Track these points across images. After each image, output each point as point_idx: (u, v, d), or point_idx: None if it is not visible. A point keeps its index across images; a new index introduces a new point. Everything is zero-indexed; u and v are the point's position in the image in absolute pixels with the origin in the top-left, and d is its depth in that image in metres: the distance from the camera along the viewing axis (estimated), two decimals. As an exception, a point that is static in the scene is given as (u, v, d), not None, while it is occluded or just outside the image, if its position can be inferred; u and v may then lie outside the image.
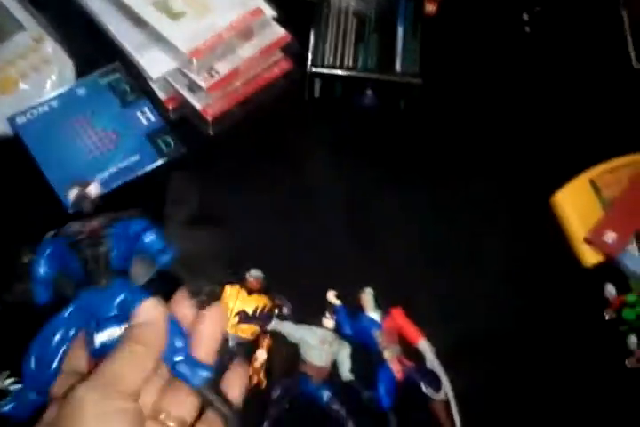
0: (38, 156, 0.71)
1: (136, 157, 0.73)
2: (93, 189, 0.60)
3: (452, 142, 0.86)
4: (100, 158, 0.73)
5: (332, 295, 0.71)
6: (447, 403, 0.67)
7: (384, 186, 0.82)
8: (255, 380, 0.67)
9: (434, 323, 0.72)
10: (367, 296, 0.71)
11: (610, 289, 0.76)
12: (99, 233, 0.46)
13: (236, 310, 0.68)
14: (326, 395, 0.67)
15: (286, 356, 0.69)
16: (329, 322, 0.69)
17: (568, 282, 0.78)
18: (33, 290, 0.46)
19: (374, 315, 0.70)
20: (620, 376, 0.73)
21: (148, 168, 0.73)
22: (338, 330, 0.70)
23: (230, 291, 0.70)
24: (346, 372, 0.69)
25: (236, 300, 0.69)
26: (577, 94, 0.89)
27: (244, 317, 0.67)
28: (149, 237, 0.48)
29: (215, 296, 0.48)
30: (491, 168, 0.84)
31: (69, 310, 0.44)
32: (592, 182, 0.81)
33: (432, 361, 0.69)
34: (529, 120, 0.87)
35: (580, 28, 0.92)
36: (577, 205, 0.80)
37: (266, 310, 0.68)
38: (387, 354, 0.68)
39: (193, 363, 0.45)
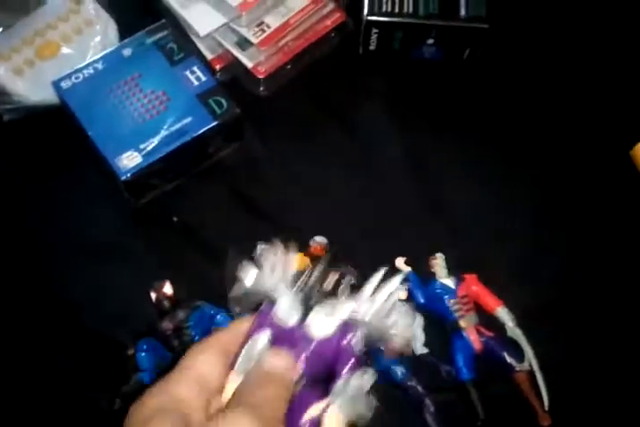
0: (86, 122, 0.67)
1: (188, 119, 0.69)
2: (168, 289, 0.65)
3: (520, 95, 0.79)
4: (151, 122, 0.68)
5: (401, 262, 0.67)
6: (531, 373, 0.62)
7: (447, 144, 0.77)
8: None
9: (510, 288, 0.67)
10: (439, 262, 0.67)
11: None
12: (182, 325, 0.62)
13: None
14: (400, 371, 0.63)
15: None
16: (401, 293, 0.64)
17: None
18: (142, 377, 0.60)
19: (447, 282, 0.66)
20: None
21: (202, 130, 0.69)
22: (410, 299, 0.65)
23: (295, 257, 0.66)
24: (419, 345, 0.64)
25: (299, 266, 0.65)
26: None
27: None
28: (220, 318, 0.63)
29: None
30: (564, 121, 0.78)
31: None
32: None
33: (513, 329, 0.64)
34: (602, 69, 0.80)
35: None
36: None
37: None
38: (463, 323, 0.64)
39: None
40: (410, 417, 0.63)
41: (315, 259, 0.66)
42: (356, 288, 0.64)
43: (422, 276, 0.67)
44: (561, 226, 0.72)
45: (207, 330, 0.62)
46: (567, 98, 0.79)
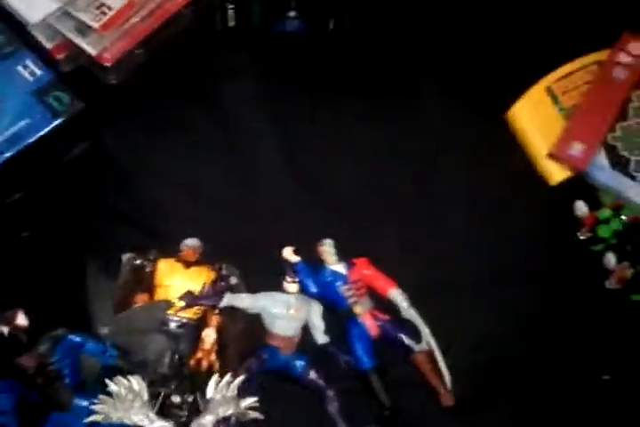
0: None
1: (25, 121, 0.61)
2: (21, 320, 0.57)
3: (392, 62, 0.76)
4: None
5: (289, 252, 0.63)
6: (430, 353, 0.60)
7: (319, 121, 0.73)
8: (205, 364, 0.58)
9: (401, 269, 0.65)
10: (326, 248, 0.63)
11: (580, 207, 0.70)
12: (45, 361, 0.55)
13: (174, 287, 0.59)
14: (300, 365, 0.59)
15: (242, 331, 0.60)
16: (292, 286, 0.61)
17: (535, 203, 0.71)
18: (3, 423, 0.52)
19: (338, 268, 0.62)
20: (602, 299, 0.67)
21: (42, 132, 0.61)
22: (302, 290, 0.62)
23: (164, 265, 0.61)
24: (320, 335, 0.61)
25: (173, 276, 0.60)
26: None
27: (190, 299, 0.57)
28: (89, 346, 0.57)
29: None
30: (438, 87, 0.75)
31: None
32: (549, 91, 0.74)
33: (407, 310, 0.62)
34: (473, 29, 0.77)
35: None
36: (536, 117, 0.73)
37: (215, 286, 0.59)
38: (357, 309, 0.61)
39: None
40: (314, 411, 0.60)
41: (188, 264, 0.61)
42: (237, 288, 0.61)
43: (313, 264, 0.63)
44: (446, 204, 0.70)
45: (76, 362, 0.56)
46: (441, 62, 0.76)
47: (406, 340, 0.61)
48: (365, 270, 0.63)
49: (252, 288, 0.62)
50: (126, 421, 0.51)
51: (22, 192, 0.65)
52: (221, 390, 0.53)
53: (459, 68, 0.76)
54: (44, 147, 0.63)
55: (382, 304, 0.63)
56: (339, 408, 0.59)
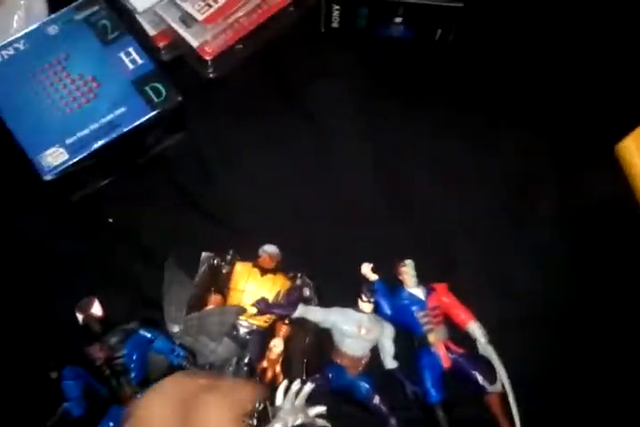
0: (5, 112, 0.59)
1: (122, 110, 0.60)
2: (96, 309, 0.57)
3: (496, 83, 0.72)
4: (79, 112, 0.60)
5: (367, 268, 0.60)
6: (504, 396, 0.57)
7: (417, 134, 0.69)
8: (270, 374, 0.57)
9: (483, 300, 0.61)
10: (407, 269, 0.60)
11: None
12: (114, 354, 0.55)
13: (247, 292, 0.58)
14: (364, 388, 0.57)
15: (310, 345, 0.58)
16: (366, 305, 0.58)
17: (632, 244, 0.65)
18: (69, 408, 0.53)
19: (416, 291, 0.59)
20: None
21: (137, 122, 0.60)
22: (376, 310, 0.59)
23: (240, 269, 0.59)
24: (389, 359, 0.58)
25: (248, 279, 0.58)
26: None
27: (264, 306, 0.56)
28: (158, 344, 0.56)
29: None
30: (541, 114, 0.70)
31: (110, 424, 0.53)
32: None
33: (484, 347, 0.58)
34: (586, 58, 0.72)
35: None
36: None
37: (289, 296, 0.57)
38: (432, 337, 0.58)
39: None
40: None
41: (264, 271, 0.59)
42: (310, 301, 0.59)
43: (390, 283, 0.61)
44: (537, 236, 0.66)
45: (144, 358, 0.56)
46: (544, 87, 0.71)
47: (480, 378, 0.57)
48: (445, 297, 0.60)
49: (325, 302, 0.59)
50: None
51: (110, 179, 0.65)
52: (290, 399, 0.52)
53: (556, 95, 0.71)
54: (136, 137, 0.62)
55: (458, 336, 0.59)
56: None
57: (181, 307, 0.57)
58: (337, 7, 0.69)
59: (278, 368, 0.57)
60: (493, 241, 0.65)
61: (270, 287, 0.59)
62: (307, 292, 0.59)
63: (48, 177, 0.58)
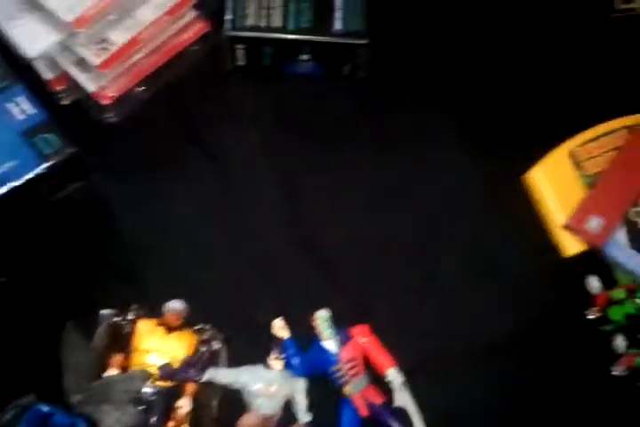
0: None
1: (12, 163, 0.57)
2: None
3: (407, 112, 0.71)
4: None
5: (278, 326, 0.59)
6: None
7: (322, 172, 0.69)
8: None
9: (401, 342, 0.61)
10: (320, 322, 0.59)
11: (593, 283, 0.65)
12: None
13: (152, 352, 0.56)
14: None
15: (220, 402, 0.57)
16: (276, 363, 0.57)
17: (545, 275, 0.67)
18: None
19: (330, 344, 0.58)
20: (606, 385, 0.63)
21: (28, 176, 0.58)
22: (288, 368, 0.58)
23: (143, 327, 0.57)
24: (302, 413, 0.58)
25: (152, 338, 0.57)
26: (552, 52, 0.74)
27: (168, 372, 0.54)
28: (57, 418, 0.54)
29: None
30: (453, 142, 0.71)
31: None
32: (572, 156, 0.69)
33: (402, 396, 0.58)
34: (496, 86, 0.73)
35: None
36: (555, 183, 0.69)
37: (195, 361, 0.55)
38: (348, 390, 0.57)
39: None
40: None
41: (169, 329, 0.57)
42: (219, 353, 0.57)
43: (305, 335, 0.60)
44: (450, 271, 0.66)
45: None
46: (459, 116, 0.72)
47: (397, 427, 0.57)
48: (365, 339, 0.59)
49: (235, 355, 0.59)
50: None
51: (5, 234, 0.62)
52: None
53: (480, 123, 0.72)
54: (30, 188, 0.59)
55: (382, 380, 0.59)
56: None
57: (83, 374, 0.55)
58: (241, 46, 0.68)
59: None
60: (407, 283, 0.65)
61: (177, 345, 0.57)
62: (215, 345, 0.58)
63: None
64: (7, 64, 0.62)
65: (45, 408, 0.54)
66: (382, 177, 0.69)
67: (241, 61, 0.70)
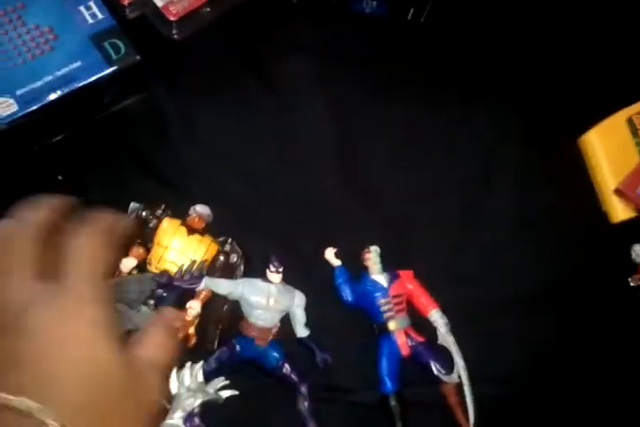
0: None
1: (78, 64, 0.57)
2: None
3: (466, 64, 0.70)
4: (33, 63, 0.56)
5: (330, 253, 0.59)
6: (460, 386, 0.56)
7: (377, 111, 0.68)
8: (181, 335, 0.55)
9: (445, 289, 0.61)
10: (372, 256, 0.58)
11: (638, 251, 0.65)
12: None
13: (171, 249, 0.56)
14: (273, 357, 0.56)
15: (226, 313, 0.57)
16: (274, 276, 0.57)
17: (590, 238, 0.66)
18: None
19: (380, 278, 0.58)
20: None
21: (93, 78, 0.57)
22: (339, 295, 0.58)
23: (167, 225, 0.57)
24: (300, 327, 0.57)
25: (172, 237, 0.56)
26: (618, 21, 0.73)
27: (166, 279, 0.54)
28: None
29: None
30: (507, 97, 0.70)
31: None
32: (630, 122, 0.68)
33: (445, 336, 0.58)
34: (558, 45, 0.71)
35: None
36: (610, 148, 0.68)
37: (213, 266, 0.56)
38: (392, 325, 0.57)
39: None
40: (283, 406, 0.57)
41: (191, 230, 0.57)
42: (235, 267, 0.58)
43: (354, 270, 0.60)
44: (498, 224, 0.65)
45: None
46: (518, 73, 0.71)
47: (435, 369, 0.57)
48: (409, 284, 0.59)
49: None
50: None
51: (64, 135, 0.61)
52: (184, 383, 0.51)
53: (532, 83, 0.70)
54: (92, 93, 0.59)
55: (419, 324, 0.59)
56: (309, 408, 0.55)
57: None
58: (311, -22, 0.66)
59: (192, 330, 0.56)
60: (452, 231, 0.64)
61: (196, 248, 0.57)
62: (234, 258, 0.58)
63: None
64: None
65: None
66: (436, 123, 0.68)
67: (308, -6, 0.68)
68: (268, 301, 0.55)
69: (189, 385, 0.51)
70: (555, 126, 0.69)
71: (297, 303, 0.57)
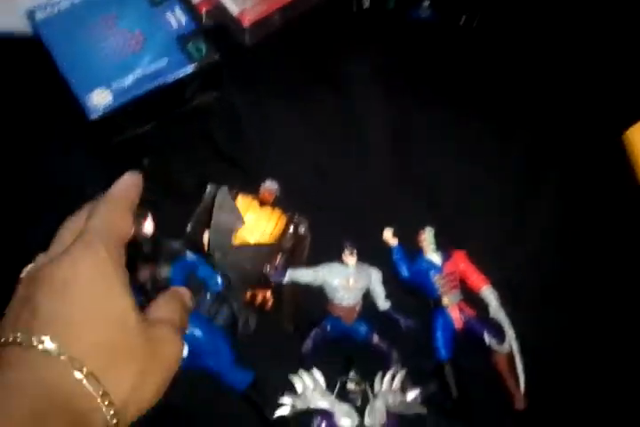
0: (59, 56, 0.62)
1: (164, 62, 0.64)
2: (148, 227, 0.54)
3: (517, 68, 0.75)
4: (125, 61, 0.63)
5: (388, 233, 0.63)
6: (511, 357, 0.60)
7: (434, 112, 0.73)
8: (260, 298, 0.60)
9: (497, 269, 0.64)
10: (427, 237, 0.63)
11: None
12: (160, 278, 0.55)
13: (246, 225, 0.61)
14: (363, 330, 0.60)
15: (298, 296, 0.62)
16: (350, 258, 0.61)
17: (635, 234, 0.69)
18: None
19: (434, 257, 0.62)
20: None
21: (177, 74, 0.64)
22: (396, 271, 0.63)
23: (242, 200, 0.62)
24: (381, 301, 0.62)
25: (246, 212, 0.61)
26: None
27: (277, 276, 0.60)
28: (202, 270, 0.58)
29: None
30: (557, 99, 0.74)
31: None
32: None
33: (496, 310, 0.61)
34: (604, 47, 0.76)
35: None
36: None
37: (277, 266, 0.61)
38: (446, 300, 0.61)
39: None
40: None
41: (263, 203, 0.63)
42: (304, 238, 0.62)
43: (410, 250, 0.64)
44: (547, 214, 0.70)
45: (185, 283, 0.55)
46: (562, 76, 0.75)
47: (488, 339, 0.60)
48: (462, 263, 0.63)
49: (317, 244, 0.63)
50: (312, 406, 0.56)
51: (149, 125, 0.68)
52: (387, 384, 0.57)
53: (573, 79, 0.75)
54: (175, 88, 0.65)
55: (471, 300, 0.63)
56: (405, 372, 0.59)
57: (224, 234, 0.59)
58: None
59: (269, 294, 0.60)
60: (510, 215, 0.69)
61: (268, 218, 0.61)
62: (302, 229, 0.62)
63: (93, 116, 0.61)
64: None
65: (194, 258, 0.58)
66: (488, 122, 0.73)
67: (366, 4, 0.75)
68: (349, 281, 0.60)
69: (390, 388, 0.57)
70: (598, 123, 0.73)
71: (375, 280, 0.61)
